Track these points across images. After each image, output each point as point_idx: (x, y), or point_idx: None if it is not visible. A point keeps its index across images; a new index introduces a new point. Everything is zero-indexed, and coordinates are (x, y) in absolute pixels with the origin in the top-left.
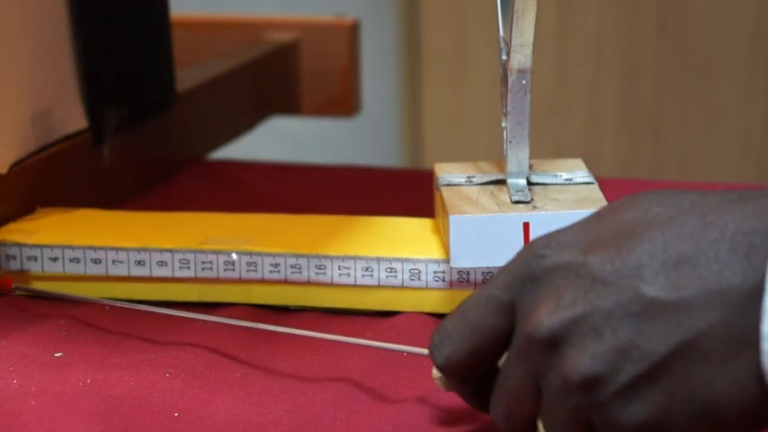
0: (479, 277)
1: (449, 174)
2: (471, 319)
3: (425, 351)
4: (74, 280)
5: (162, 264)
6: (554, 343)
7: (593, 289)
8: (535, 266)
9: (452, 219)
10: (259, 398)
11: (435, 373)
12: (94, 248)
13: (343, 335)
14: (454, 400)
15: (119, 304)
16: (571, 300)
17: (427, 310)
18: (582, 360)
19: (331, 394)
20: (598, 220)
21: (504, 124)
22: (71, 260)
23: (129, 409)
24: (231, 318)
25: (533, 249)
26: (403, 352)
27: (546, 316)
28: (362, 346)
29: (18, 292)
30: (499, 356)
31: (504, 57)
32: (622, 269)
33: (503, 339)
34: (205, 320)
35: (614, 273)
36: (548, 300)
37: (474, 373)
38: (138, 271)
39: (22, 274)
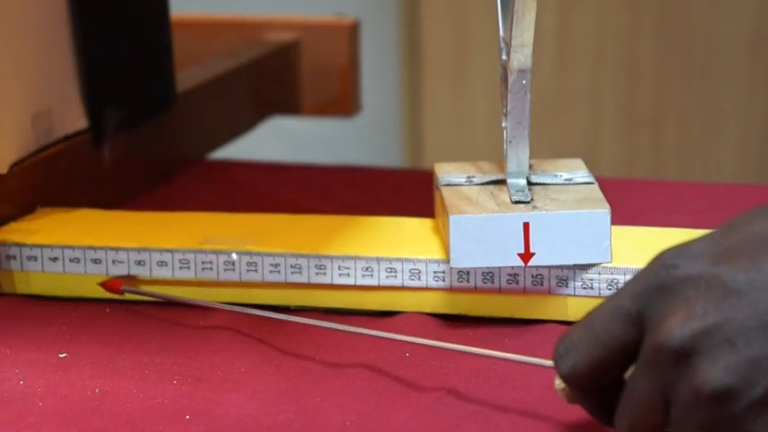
0: (479, 277)
1: (449, 174)
2: (597, 329)
3: (549, 363)
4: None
5: (162, 264)
6: (685, 354)
7: (725, 300)
8: (665, 277)
9: (452, 219)
10: (266, 397)
11: (558, 383)
12: (94, 248)
13: (344, 334)
14: (462, 402)
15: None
16: (703, 310)
17: (427, 310)
18: (714, 372)
19: (338, 396)
20: (729, 232)
21: (504, 124)
22: (71, 260)
23: (140, 421)
24: (238, 318)
25: (663, 260)
26: (524, 362)
27: (677, 326)
28: (377, 344)
29: (126, 294)
30: (625, 368)
31: (504, 57)
32: (757, 280)
33: (629, 350)
34: (208, 319)
35: (748, 283)
36: (679, 310)
37: (599, 384)
38: (138, 271)
39: (131, 278)
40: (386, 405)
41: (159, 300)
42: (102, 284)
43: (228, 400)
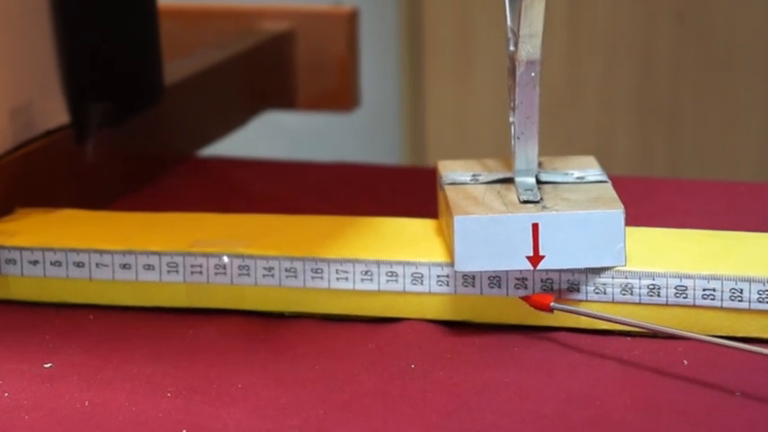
0: (486, 282)
1: (453, 172)
2: None
3: None
4: (55, 283)
5: (149, 267)
6: None
7: None
8: None
9: (457, 219)
10: (266, 411)
11: None
12: (77, 251)
13: (344, 342)
14: (476, 416)
15: None
16: None
17: (430, 316)
18: None
19: (343, 411)
20: None
21: (511, 119)
22: (52, 263)
23: None
24: (232, 329)
25: None
26: None
27: None
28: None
29: (556, 311)
30: None
31: (511, 47)
32: None
33: None
34: (199, 328)
35: None
36: None
37: None
38: (123, 275)
39: (561, 296)
40: (394, 420)
41: (595, 320)
42: (527, 299)
43: (227, 413)
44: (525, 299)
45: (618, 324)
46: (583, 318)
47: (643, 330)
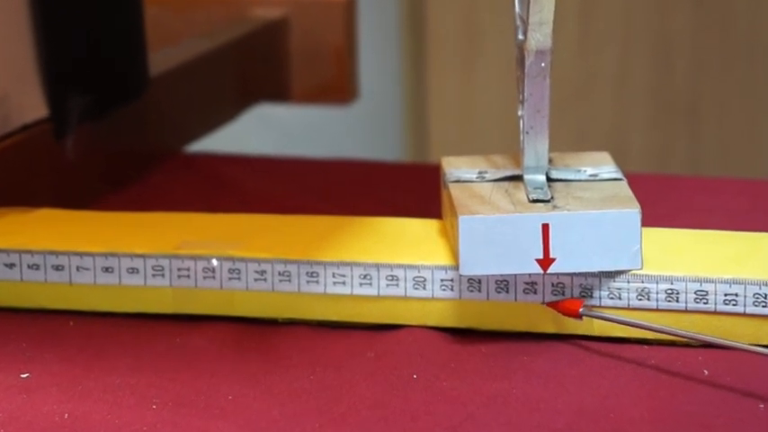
0: (492, 286)
1: (458, 169)
2: None
3: None
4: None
5: (132, 271)
6: None
7: None
8: None
9: (462, 220)
10: (258, 424)
11: None
12: (56, 253)
13: (341, 351)
14: (483, 430)
15: None
16: None
17: (433, 323)
18: None
19: (340, 425)
20: None
21: (520, 113)
22: (30, 266)
23: None
24: (221, 336)
25: None
26: None
27: None
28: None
29: (585, 318)
30: None
31: (520, 36)
32: None
33: None
34: (186, 336)
35: None
36: None
37: None
38: (105, 279)
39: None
40: None
41: (623, 325)
42: (554, 305)
43: (215, 426)
44: (553, 305)
45: (636, 332)
46: (596, 324)
47: (661, 337)
